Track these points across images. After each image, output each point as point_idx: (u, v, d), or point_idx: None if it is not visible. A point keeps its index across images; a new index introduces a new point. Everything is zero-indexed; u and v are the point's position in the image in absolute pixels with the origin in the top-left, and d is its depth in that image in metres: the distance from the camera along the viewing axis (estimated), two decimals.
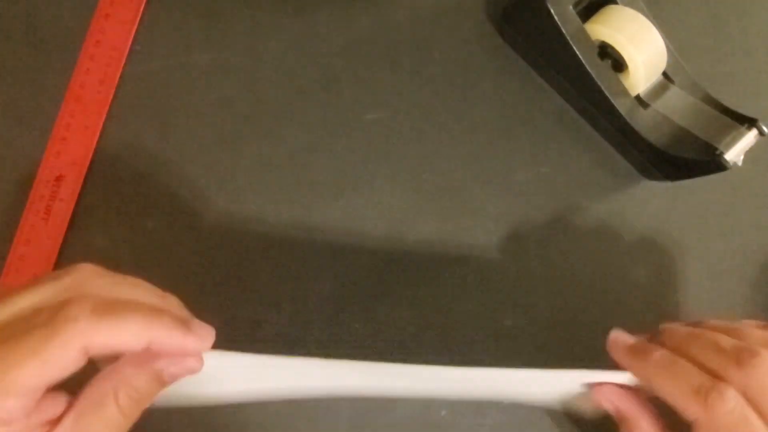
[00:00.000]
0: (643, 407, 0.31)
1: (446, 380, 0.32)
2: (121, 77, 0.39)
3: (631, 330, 0.33)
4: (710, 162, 0.35)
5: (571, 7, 0.36)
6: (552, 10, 0.35)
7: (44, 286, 0.23)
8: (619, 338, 0.33)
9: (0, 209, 0.38)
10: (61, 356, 0.21)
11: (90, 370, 0.24)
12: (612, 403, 0.31)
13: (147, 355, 0.24)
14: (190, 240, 0.38)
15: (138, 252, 0.38)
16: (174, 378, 0.25)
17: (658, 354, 0.30)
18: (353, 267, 0.38)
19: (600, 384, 0.31)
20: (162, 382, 0.25)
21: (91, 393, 0.23)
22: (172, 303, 0.27)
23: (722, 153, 0.34)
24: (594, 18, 0.37)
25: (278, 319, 0.37)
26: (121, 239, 0.38)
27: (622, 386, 0.31)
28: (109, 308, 0.23)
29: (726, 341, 0.30)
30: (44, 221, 0.37)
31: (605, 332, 0.34)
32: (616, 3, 0.37)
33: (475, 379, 0.32)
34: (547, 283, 0.39)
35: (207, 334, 0.26)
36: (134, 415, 0.24)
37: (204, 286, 0.37)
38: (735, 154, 0.34)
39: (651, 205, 0.40)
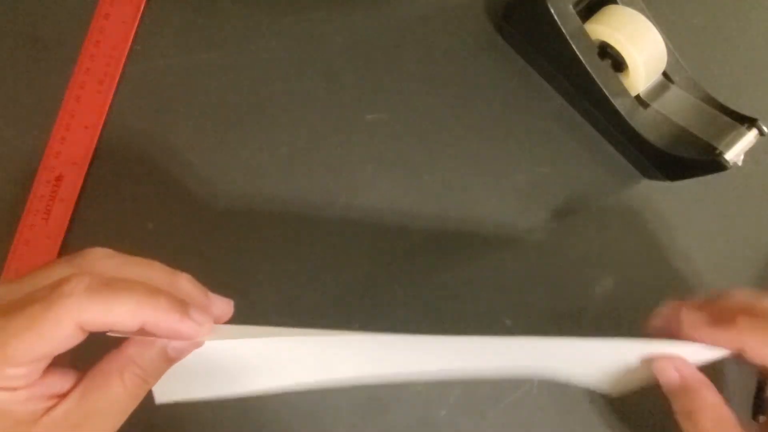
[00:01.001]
0: (706, 379, 0.30)
1: (479, 352, 0.31)
2: (121, 77, 0.39)
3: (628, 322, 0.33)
4: (710, 162, 0.35)
5: (571, 6, 0.36)
6: (552, 10, 0.35)
7: (55, 266, 0.24)
8: (687, 314, 0.31)
9: (0, 209, 0.38)
10: (56, 330, 0.22)
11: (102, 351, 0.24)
12: (680, 372, 0.30)
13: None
14: (190, 241, 0.38)
15: (138, 253, 0.38)
16: (180, 352, 0.25)
17: (744, 318, 0.29)
18: (352, 268, 0.38)
19: (664, 356, 0.31)
20: (168, 358, 0.25)
21: (98, 371, 0.24)
22: (182, 282, 0.27)
23: (722, 153, 0.34)
24: (594, 18, 0.37)
25: (279, 321, 0.37)
26: (121, 240, 0.38)
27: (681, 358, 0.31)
28: (105, 286, 0.23)
29: None
30: (44, 221, 0.37)
31: (604, 332, 0.34)
32: (616, 3, 0.37)
33: (516, 348, 0.31)
34: (547, 283, 0.39)
35: (206, 320, 0.25)
36: (139, 394, 0.24)
37: (204, 287, 0.37)
38: (735, 153, 0.34)
39: (651, 205, 0.40)
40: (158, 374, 0.25)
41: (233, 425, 0.36)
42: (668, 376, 0.30)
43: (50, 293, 0.22)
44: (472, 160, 0.40)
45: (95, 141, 0.38)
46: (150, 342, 0.24)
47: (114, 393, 0.24)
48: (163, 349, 0.24)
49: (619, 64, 0.37)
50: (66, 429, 0.23)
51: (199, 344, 0.25)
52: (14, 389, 0.22)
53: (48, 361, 0.23)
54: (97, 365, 0.24)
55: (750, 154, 0.35)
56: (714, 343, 0.30)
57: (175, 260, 0.38)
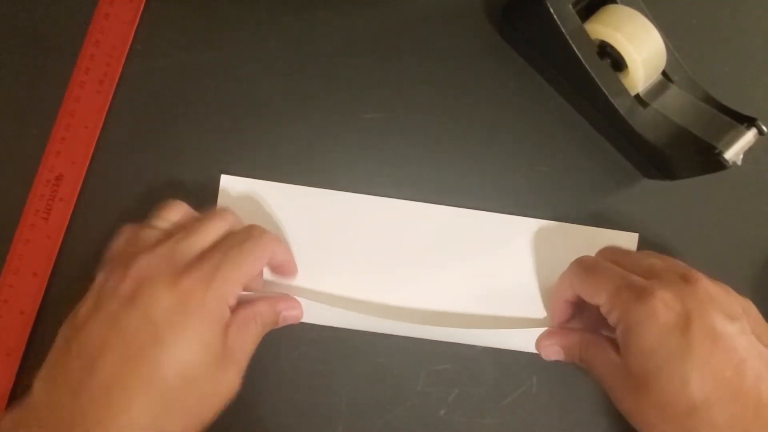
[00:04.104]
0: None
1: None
2: (121, 77, 0.39)
3: None
4: (710, 161, 0.35)
5: (570, 6, 0.36)
6: (551, 10, 0.35)
7: (219, 220, 0.33)
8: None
9: (0, 209, 0.38)
10: (265, 257, 0.33)
11: None
12: (559, 346, 0.35)
13: (273, 300, 0.35)
14: None
15: None
16: (284, 322, 0.35)
17: (582, 259, 0.34)
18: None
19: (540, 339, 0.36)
20: (276, 322, 0.35)
21: (242, 313, 0.32)
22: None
23: (721, 152, 0.34)
24: (594, 17, 0.37)
25: None
26: None
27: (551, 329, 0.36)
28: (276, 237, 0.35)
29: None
30: (44, 221, 0.37)
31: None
32: (615, 2, 0.37)
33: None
34: None
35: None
36: (262, 334, 0.33)
37: None
38: (734, 153, 0.34)
39: (651, 205, 0.40)
40: (267, 330, 0.34)
41: (233, 424, 0.36)
42: (553, 355, 0.35)
43: (250, 234, 0.32)
44: (471, 160, 0.40)
45: (95, 141, 0.39)
46: (273, 305, 0.34)
47: (253, 329, 0.33)
48: (278, 313, 0.35)
49: (618, 64, 0.37)
50: (239, 345, 0.31)
51: (298, 320, 0.36)
52: (230, 309, 0.31)
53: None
54: (236, 313, 0.32)
55: (749, 153, 0.35)
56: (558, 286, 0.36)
57: None
